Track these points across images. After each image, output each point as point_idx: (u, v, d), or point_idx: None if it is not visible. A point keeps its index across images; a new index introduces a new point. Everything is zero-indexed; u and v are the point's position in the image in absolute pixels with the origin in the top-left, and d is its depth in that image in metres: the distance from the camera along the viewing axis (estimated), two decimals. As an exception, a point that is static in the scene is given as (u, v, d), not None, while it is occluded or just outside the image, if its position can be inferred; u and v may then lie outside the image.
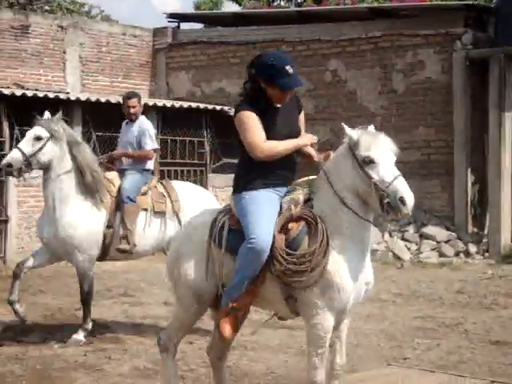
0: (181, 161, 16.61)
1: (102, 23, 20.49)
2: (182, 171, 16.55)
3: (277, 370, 6.98)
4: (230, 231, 4.79)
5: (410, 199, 4.40)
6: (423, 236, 15.32)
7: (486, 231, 15.48)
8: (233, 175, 16.86)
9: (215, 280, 4.87)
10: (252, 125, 4.71)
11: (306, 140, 4.86)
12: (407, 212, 4.41)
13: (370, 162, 4.48)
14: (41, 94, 14.65)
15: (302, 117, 5.02)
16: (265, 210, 4.66)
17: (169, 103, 16.76)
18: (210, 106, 17.09)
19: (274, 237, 4.62)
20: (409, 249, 15.10)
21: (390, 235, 15.56)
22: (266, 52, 4.97)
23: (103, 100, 15.37)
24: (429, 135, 16.01)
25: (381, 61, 16.60)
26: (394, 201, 4.40)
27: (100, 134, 15.24)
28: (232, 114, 16.93)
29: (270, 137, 4.75)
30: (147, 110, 16.01)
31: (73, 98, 15.13)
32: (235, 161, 19.49)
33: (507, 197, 14.83)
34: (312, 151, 4.93)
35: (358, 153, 4.52)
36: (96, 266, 8.48)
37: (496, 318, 9.41)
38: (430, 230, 15.34)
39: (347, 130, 4.62)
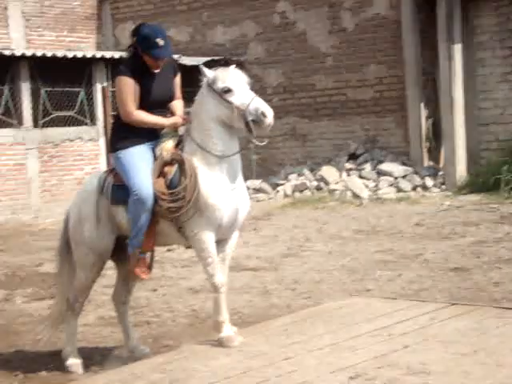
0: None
1: (44, -24, 20.00)
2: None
3: (242, 310, 7.04)
4: (114, 186, 5.42)
5: (269, 111, 5.05)
6: (380, 173, 15.43)
7: (441, 164, 15.64)
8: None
9: (108, 232, 5.46)
10: (126, 91, 5.29)
11: (172, 121, 5.42)
12: (270, 122, 5.05)
13: (228, 90, 5.15)
14: (-16, 52, 14.34)
15: (177, 80, 5.61)
16: (139, 164, 5.28)
17: (117, 54, 16.49)
18: (160, 55, 16.83)
19: (153, 183, 5.22)
20: (367, 186, 15.21)
21: (348, 174, 15.65)
22: (144, 23, 5.59)
23: (49, 55, 15.08)
24: (380, 72, 16.02)
25: (329, 0, 16.51)
26: (256, 116, 5.06)
27: (49, 89, 14.99)
28: (182, 62, 16.75)
29: (144, 100, 5.33)
30: (95, 63, 15.82)
31: (18, 54, 14.83)
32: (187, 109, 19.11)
33: (460, 128, 14.95)
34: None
35: (216, 86, 5.18)
36: (55, 223, 8.39)
37: (454, 246, 9.56)
38: (386, 166, 15.46)
39: (204, 70, 5.26)
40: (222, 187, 5.21)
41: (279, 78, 17.53)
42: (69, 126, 15.44)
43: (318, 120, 16.95)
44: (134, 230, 5.28)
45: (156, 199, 5.21)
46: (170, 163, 5.28)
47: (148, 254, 5.38)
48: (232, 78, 5.22)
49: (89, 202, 5.51)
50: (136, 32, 5.44)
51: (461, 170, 14.93)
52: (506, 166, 13.98)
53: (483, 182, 14.23)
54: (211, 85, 5.22)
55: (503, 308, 5.94)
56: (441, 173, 15.30)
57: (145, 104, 5.35)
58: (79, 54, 15.77)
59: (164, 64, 5.44)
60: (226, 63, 5.43)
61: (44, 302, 7.72)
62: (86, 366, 5.64)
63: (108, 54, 16.36)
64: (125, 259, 5.53)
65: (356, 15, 16.23)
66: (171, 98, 5.54)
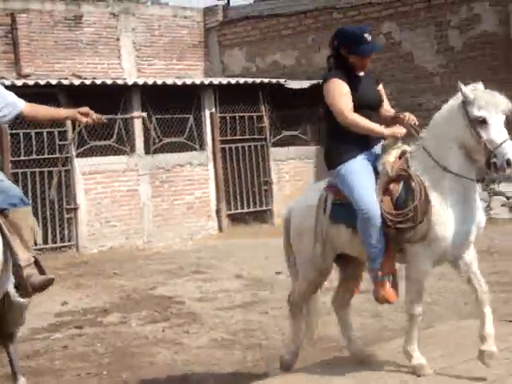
0: (241, 137, 16.64)
1: (153, 7, 20.56)
2: (243, 147, 16.59)
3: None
4: (335, 204, 5.18)
5: None
6: (493, 193, 15.09)
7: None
8: (293, 147, 16.84)
9: (328, 250, 5.24)
10: (340, 92, 5.04)
11: (393, 130, 5.12)
12: (510, 172, 4.68)
13: (482, 121, 4.72)
14: (98, 82, 14.83)
15: (381, 88, 5.35)
16: (364, 180, 4.98)
17: (224, 81, 16.79)
18: (266, 80, 17.06)
19: (379, 201, 4.93)
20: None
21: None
22: (345, 26, 5.53)
23: (160, 83, 15.48)
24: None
25: (435, 18, 16.33)
26: (500, 162, 4.66)
27: (159, 116, 15.37)
28: (288, 85, 16.85)
29: (355, 102, 5.05)
30: (204, 89, 16.14)
31: (130, 83, 15.29)
32: (295, 133, 19.39)
33: None
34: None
35: (471, 111, 4.75)
36: (167, 247, 8.58)
37: None
38: (500, 186, 15.08)
39: (463, 87, 4.83)
40: (453, 217, 4.83)
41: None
42: (179, 152, 15.75)
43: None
44: (371, 253, 4.98)
45: (384, 219, 4.90)
46: (395, 180, 4.96)
47: (390, 277, 5.04)
48: (492, 106, 4.76)
49: (309, 217, 5.28)
50: (338, 35, 5.26)
51: None
52: None
53: None
54: (466, 106, 4.80)
55: None
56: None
57: (356, 107, 5.05)
58: (188, 81, 16.11)
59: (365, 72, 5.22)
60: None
61: (158, 325, 7.90)
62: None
63: (216, 81, 16.66)
64: (350, 264, 5.41)
65: (464, 33, 16.00)
66: (379, 104, 5.27)
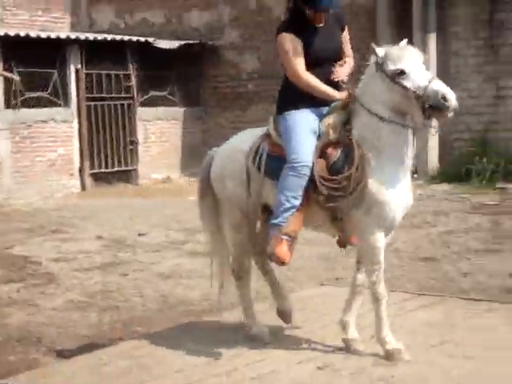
0: (107, 95, 16.34)
1: (19, -45, 19.77)
2: (109, 105, 16.30)
3: (212, 297, 7.03)
4: (268, 156, 4.90)
5: (451, 93, 4.39)
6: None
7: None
8: (161, 108, 16.72)
9: (256, 198, 4.97)
10: (289, 48, 4.81)
11: (343, 95, 4.83)
12: (453, 105, 4.39)
13: (401, 73, 4.51)
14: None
15: (345, 35, 5.08)
16: (305, 131, 4.75)
17: (91, 36, 16.38)
18: (135, 38, 16.76)
19: (313, 162, 4.68)
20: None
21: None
22: None
23: (22, 35, 14.92)
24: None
25: (305, -14, 16.46)
26: (436, 101, 4.39)
27: (22, 70, 14.84)
28: (157, 45, 16.65)
29: (309, 57, 4.84)
30: (69, 44, 15.69)
31: (-11, 33, 14.66)
32: (163, 93, 19.17)
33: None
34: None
35: (387, 68, 4.56)
36: (27, 204, 8.35)
37: (425, 236, 9.64)
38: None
39: (374, 47, 4.64)
40: (393, 183, 4.60)
41: (254, 64, 17.50)
42: (42, 107, 15.31)
43: (293, 106, 16.94)
44: (280, 207, 4.72)
45: (313, 181, 4.66)
46: (335, 144, 4.72)
47: (293, 239, 4.78)
48: (406, 57, 4.56)
49: (235, 161, 5.03)
50: None
51: (433, 159, 15.02)
52: (478, 157, 14.11)
53: (455, 171, 14.34)
54: (381, 65, 4.59)
55: (471, 299, 6.01)
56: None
57: (310, 61, 4.82)
58: (53, 35, 15.62)
59: (329, 17, 4.93)
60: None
61: (13, 285, 7.69)
62: (58, 353, 5.63)
63: (82, 36, 16.22)
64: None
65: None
66: (339, 55, 4.97)
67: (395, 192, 4.60)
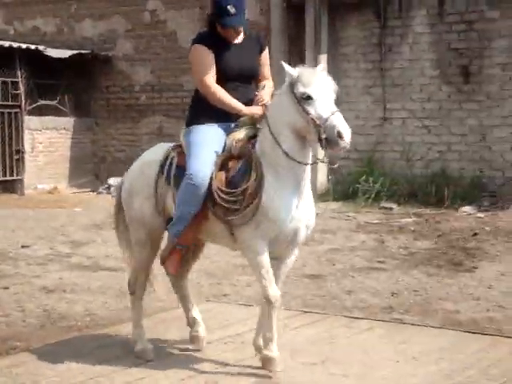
0: (-8, 103, 15.94)
1: None
2: (-5, 113, 15.91)
3: (96, 311, 6.92)
4: (177, 167, 4.94)
5: (347, 133, 4.47)
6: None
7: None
8: (50, 117, 16.35)
9: (162, 209, 4.99)
10: (201, 60, 4.89)
11: (251, 111, 4.90)
12: (345, 145, 4.47)
13: (307, 98, 4.54)
14: None
15: (264, 56, 5.14)
16: (207, 145, 4.80)
17: (-23, 41, 15.96)
18: (24, 45, 16.40)
19: (212, 175, 4.72)
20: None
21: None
22: None
23: None
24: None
25: (200, 1, 16.52)
26: (331, 136, 4.45)
27: None
28: (47, 53, 16.33)
29: (221, 73, 4.90)
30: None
31: None
32: (52, 102, 18.87)
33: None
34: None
35: (296, 89, 4.59)
36: None
37: (311, 253, 9.75)
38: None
39: (286, 67, 4.68)
40: (286, 202, 4.65)
41: (147, 77, 17.41)
42: None
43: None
44: (177, 216, 4.79)
45: (210, 193, 4.71)
46: (236, 158, 4.77)
47: (183, 249, 4.89)
48: (316, 82, 4.60)
49: (144, 175, 5.07)
50: (212, 1, 5.00)
51: (321, 177, 15.26)
52: (364, 176, 14.42)
53: (342, 190, 14.61)
54: (292, 86, 4.63)
55: (352, 317, 6.12)
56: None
57: (220, 76, 4.89)
58: None
59: (247, 37, 5.04)
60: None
61: None
62: None
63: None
64: None
65: (227, 19, 16.30)
66: (254, 75, 5.06)
67: (287, 211, 4.64)
